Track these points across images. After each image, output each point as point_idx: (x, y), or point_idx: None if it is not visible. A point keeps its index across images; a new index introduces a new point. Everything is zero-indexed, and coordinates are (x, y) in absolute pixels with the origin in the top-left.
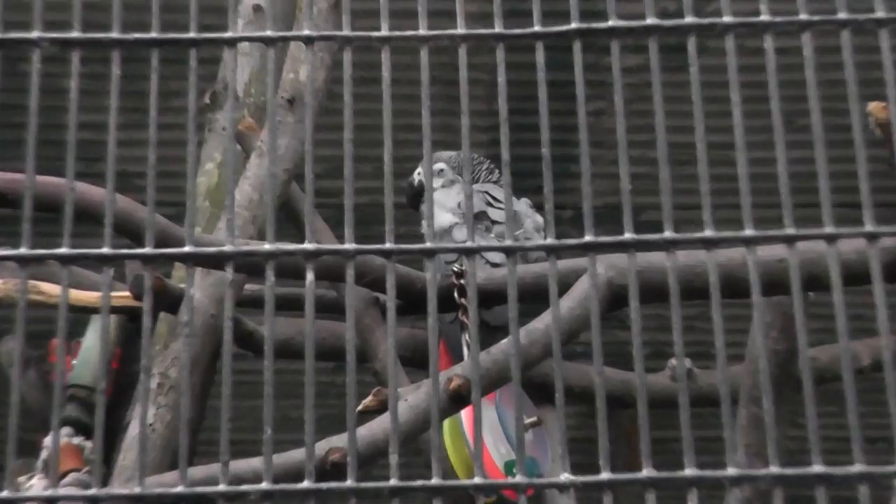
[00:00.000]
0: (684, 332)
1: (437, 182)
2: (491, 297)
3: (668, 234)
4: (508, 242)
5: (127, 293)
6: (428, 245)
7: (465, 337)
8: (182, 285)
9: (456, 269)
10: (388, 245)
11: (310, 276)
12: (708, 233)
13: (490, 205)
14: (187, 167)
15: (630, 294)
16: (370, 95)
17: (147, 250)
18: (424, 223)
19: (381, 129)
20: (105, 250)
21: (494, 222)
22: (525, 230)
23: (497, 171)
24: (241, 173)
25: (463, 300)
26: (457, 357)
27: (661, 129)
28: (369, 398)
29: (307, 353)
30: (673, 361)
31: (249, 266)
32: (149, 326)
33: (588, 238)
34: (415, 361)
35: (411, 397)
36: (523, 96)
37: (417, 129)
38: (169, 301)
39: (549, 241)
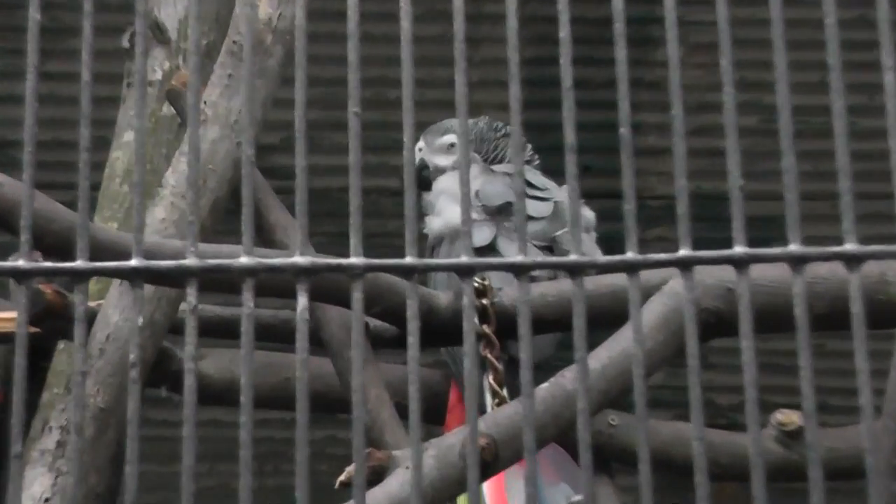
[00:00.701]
0: (787, 375)
1: (446, 161)
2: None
3: (794, 247)
4: (574, 257)
5: (14, 315)
6: (464, 260)
7: (489, 379)
8: (93, 303)
9: (477, 285)
10: (409, 260)
11: (302, 299)
12: (850, 246)
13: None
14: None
15: (742, 329)
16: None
17: (79, 264)
18: (427, 218)
19: (367, 82)
20: (21, 263)
21: (529, 218)
22: (570, 229)
23: (529, 145)
24: (175, 147)
25: (486, 328)
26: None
27: (784, 92)
28: (354, 465)
29: (299, 407)
30: (779, 416)
31: (218, 284)
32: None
33: (684, 252)
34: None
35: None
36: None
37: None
38: (69, 324)
39: (630, 255)
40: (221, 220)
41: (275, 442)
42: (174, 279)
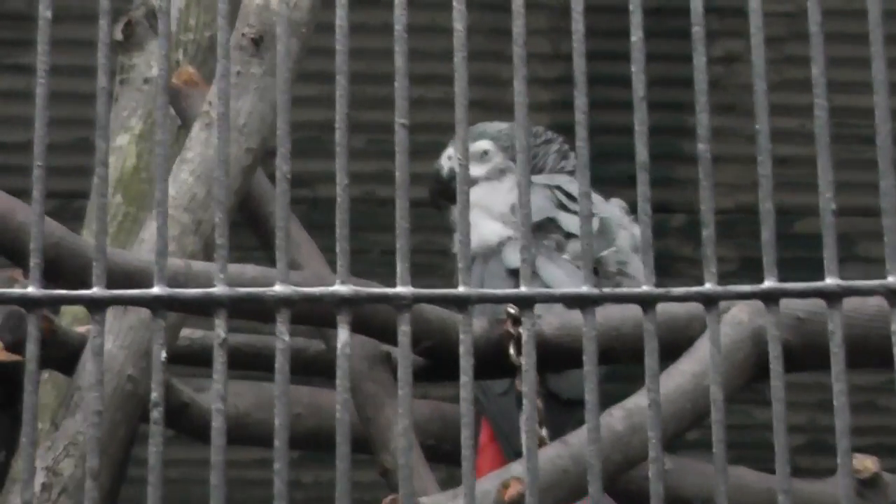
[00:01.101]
0: (857, 413)
1: (478, 170)
2: (566, 355)
3: (893, 279)
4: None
5: None
6: (523, 290)
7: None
8: (81, 329)
9: (512, 312)
10: (462, 290)
11: (343, 333)
12: None
13: (563, 207)
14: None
15: (834, 371)
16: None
17: (97, 292)
18: (457, 236)
19: (376, 79)
20: (31, 290)
21: (569, 235)
22: (618, 249)
23: (573, 154)
24: (174, 151)
25: (523, 359)
26: (510, 447)
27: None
28: None
29: (339, 453)
30: (853, 461)
31: (249, 313)
32: (33, 395)
33: (769, 284)
34: (448, 453)
35: None
36: (607, 32)
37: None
38: (60, 354)
39: (708, 286)
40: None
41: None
42: (201, 309)
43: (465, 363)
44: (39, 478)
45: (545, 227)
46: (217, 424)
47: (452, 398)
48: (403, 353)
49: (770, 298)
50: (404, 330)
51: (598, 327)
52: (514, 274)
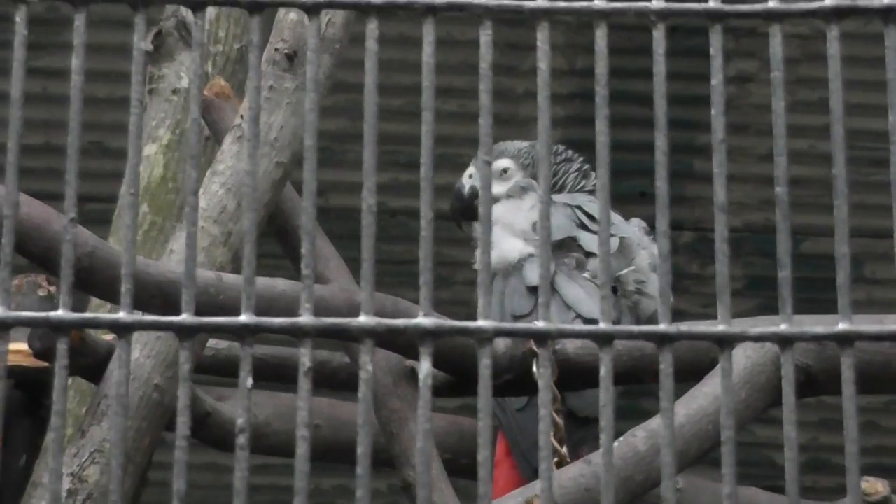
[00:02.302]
0: (866, 434)
1: (499, 188)
2: (586, 374)
3: None
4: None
5: (21, 347)
6: (602, 328)
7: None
8: (109, 337)
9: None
10: (541, 325)
11: (426, 364)
12: None
13: (584, 227)
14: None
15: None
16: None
17: (186, 318)
18: (478, 252)
19: (386, 89)
20: (122, 315)
21: (589, 254)
22: (637, 268)
23: (594, 173)
24: (206, 165)
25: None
26: (528, 464)
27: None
28: None
29: (419, 481)
30: (863, 484)
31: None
32: (62, 400)
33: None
34: (465, 467)
35: None
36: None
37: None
38: (88, 363)
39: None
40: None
41: (279, 490)
42: (286, 336)
43: (545, 397)
44: (64, 484)
45: (566, 246)
46: (301, 452)
47: (468, 410)
48: (485, 386)
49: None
50: (486, 363)
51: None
52: (533, 291)
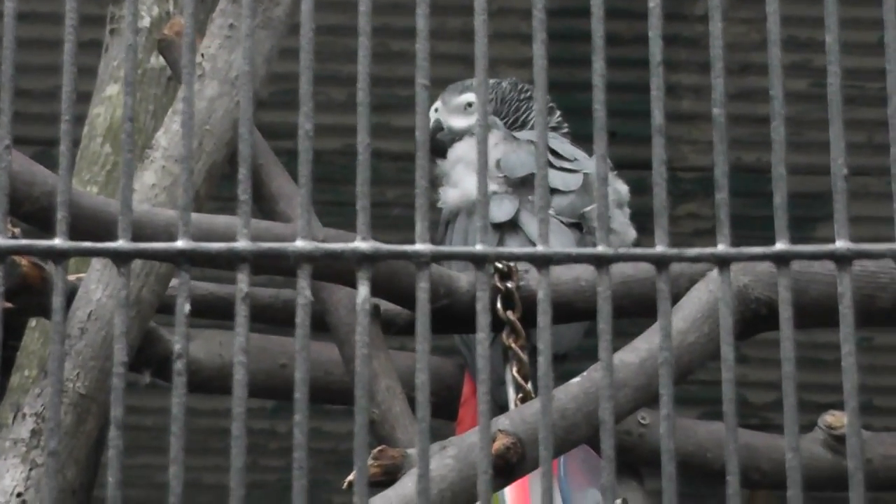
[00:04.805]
0: (831, 371)
1: (463, 122)
2: (552, 311)
3: None
4: (602, 248)
5: None
6: (540, 249)
7: (513, 372)
8: (72, 277)
9: (500, 266)
10: (479, 248)
11: (364, 289)
12: None
13: (549, 164)
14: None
15: (843, 336)
16: None
17: (122, 244)
18: (442, 189)
19: (350, 34)
20: (57, 242)
21: (554, 191)
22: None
23: (558, 111)
24: (163, 103)
25: (511, 315)
26: (493, 402)
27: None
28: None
29: (357, 407)
30: (828, 418)
31: (270, 269)
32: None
33: (781, 246)
34: (433, 407)
35: (432, 464)
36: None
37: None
38: (47, 300)
39: (721, 247)
40: (217, 186)
41: (254, 434)
42: (223, 263)
43: (482, 320)
44: (29, 424)
45: (530, 182)
46: (238, 377)
47: (439, 351)
48: (422, 310)
49: (782, 260)
50: (423, 286)
51: (585, 284)
52: (498, 228)
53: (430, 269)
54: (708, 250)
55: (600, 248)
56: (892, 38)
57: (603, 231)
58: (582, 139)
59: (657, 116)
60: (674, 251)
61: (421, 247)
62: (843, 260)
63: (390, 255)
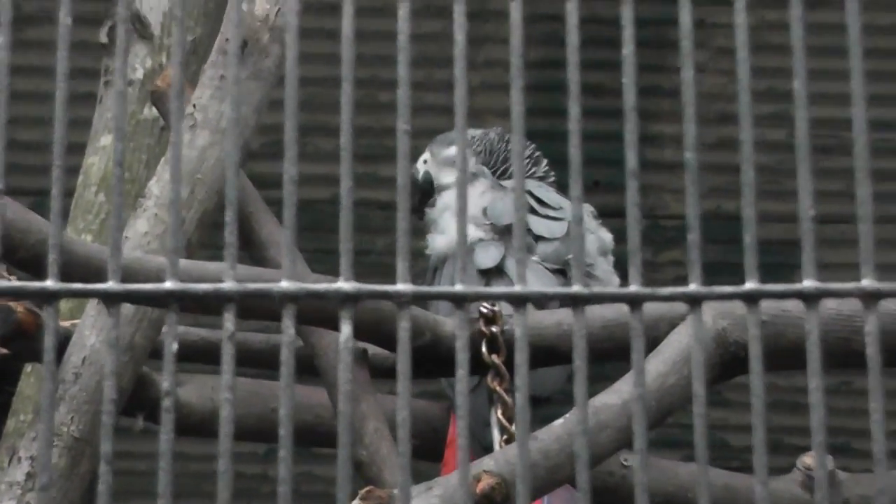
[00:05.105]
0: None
1: (450, 176)
2: (534, 354)
3: (867, 282)
4: (577, 288)
5: None
6: (517, 289)
7: (497, 414)
8: (66, 323)
9: (484, 311)
10: (459, 288)
11: (346, 328)
12: None
13: (534, 212)
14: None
15: (810, 369)
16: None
17: (112, 286)
18: (429, 237)
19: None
20: (49, 284)
21: (539, 238)
22: (586, 252)
23: (545, 160)
24: (156, 153)
25: (495, 358)
26: (478, 444)
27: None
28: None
29: (341, 442)
30: (806, 459)
31: (255, 310)
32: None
33: (751, 285)
34: (416, 448)
35: (419, 503)
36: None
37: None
38: (42, 345)
39: (693, 287)
40: (208, 233)
41: (247, 478)
42: (210, 304)
43: (462, 357)
44: (24, 467)
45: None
46: (225, 413)
47: (428, 396)
48: (403, 348)
49: (751, 299)
50: (404, 326)
51: (568, 328)
52: (484, 274)
53: (410, 309)
54: (680, 289)
55: (576, 288)
56: (858, 84)
57: (579, 271)
58: (567, 188)
59: (631, 159)
60: (647, 290)
61: (402, 287)
62: (810, 298)
63: (372, 294)
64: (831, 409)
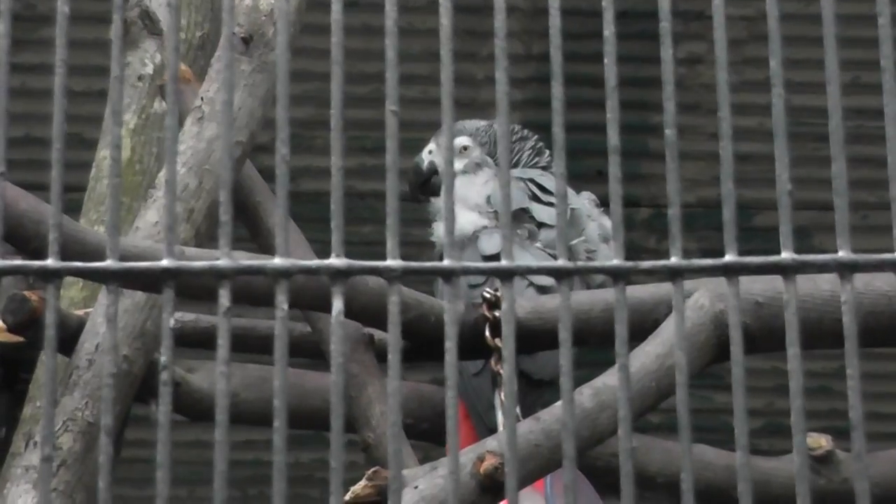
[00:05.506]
0: (814, 397)
1: (456, 164)
2: (537, 337)
3: (844, 254)
4: (561, 262)
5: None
6: (504, 264)
7: (500, 395)
8: (80, 312)
9: (488, 296)
10: (448, 263)
11: (338, 303)
12: None
13: (536, 199)
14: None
15: (788, 338)
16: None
17: (110, 264)
18: (435, 225)
19: (353, 78)
20: (49, 262)
21: (541, 225)
22: (587, 238)
23: (547, 151)
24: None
25: (498, 341)
26: (484, 425)
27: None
28: (361, 484)
29: (333, 414)
30: (807, 440)
31: (249, 288)
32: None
33: (730, 258)
34: (424, 431)
35: (423, 483)
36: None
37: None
38: (59, 335)
39: (674, 259)
40: (217, 224)
41: (261, 465)
42: (206, 282)
43: (451, 331)
44: (40, 451)
45: (518, 217)
46: (221, 386)
47: (428, 381)
48: (393, 321)
49: (730, 271)
50: (394, 300)
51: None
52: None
53: (399, 285)
54: (661, 263)
55: (560, 262)
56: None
57: (563, 245)
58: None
59: (612, 137)
60: (629, 264)
61: (392, 262)
62: (788, 270)
63: (362, 270)
64: (834, 391)
